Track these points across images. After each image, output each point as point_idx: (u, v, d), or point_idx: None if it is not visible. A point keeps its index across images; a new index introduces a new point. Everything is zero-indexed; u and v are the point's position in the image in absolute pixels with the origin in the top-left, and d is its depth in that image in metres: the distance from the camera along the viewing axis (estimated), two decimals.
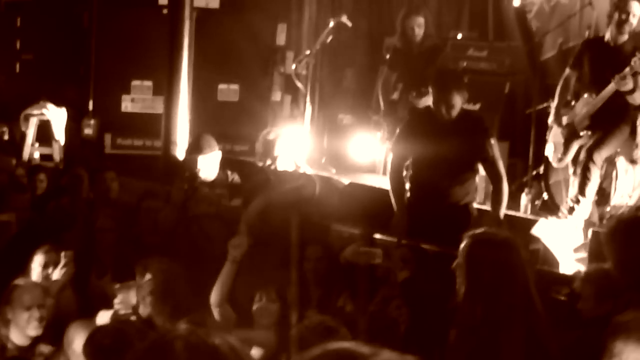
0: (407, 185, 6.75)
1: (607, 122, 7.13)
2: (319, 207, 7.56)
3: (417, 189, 6.61)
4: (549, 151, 7.60)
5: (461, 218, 6.31)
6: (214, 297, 5.30)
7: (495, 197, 6.40)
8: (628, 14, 7.00)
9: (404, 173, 6.79)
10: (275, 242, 6.24)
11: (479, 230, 4.14)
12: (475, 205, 6.75)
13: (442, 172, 6.41)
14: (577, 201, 7.17)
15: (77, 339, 4.83)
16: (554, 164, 7.59)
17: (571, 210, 7.20)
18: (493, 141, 6.58)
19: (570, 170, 7.49)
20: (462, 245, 4.01)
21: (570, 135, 7.34)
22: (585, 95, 7.20)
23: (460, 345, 3.80)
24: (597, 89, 7.09)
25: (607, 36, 7.21)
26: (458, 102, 6.34)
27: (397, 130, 7.02)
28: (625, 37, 7.13)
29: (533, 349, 3.64)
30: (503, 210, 6.36)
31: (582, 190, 7.10)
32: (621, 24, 7.05)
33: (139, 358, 1.79)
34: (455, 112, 6.33)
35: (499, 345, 3.51)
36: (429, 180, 6.49)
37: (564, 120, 7.39)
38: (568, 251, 6.97)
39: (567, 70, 7.44)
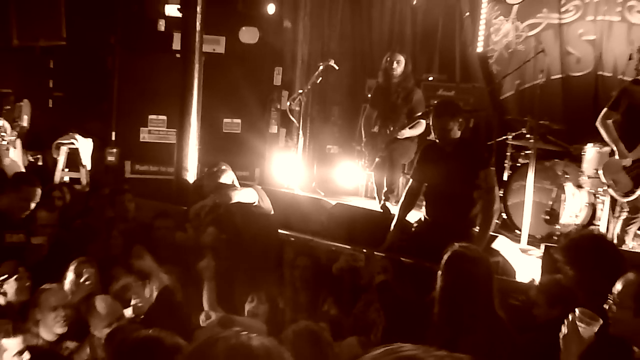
0: (424, 208, 6.70)
1: None
2: (308, 224, 7.54)
3: (430, 210, 6.56)
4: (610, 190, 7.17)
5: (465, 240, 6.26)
6: (206, 304, 5.33)
7: (484, 221, 6.30)
8: None
9: (417, 198, 6.75)
10: (247, 255, 6.28)
11: (457, 246, 4.13)
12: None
13: (448, 199, 6.36)
14: None
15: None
16: (618, 198, 7.12)
17: None
18: (490, 169, 6.48)
19: None
20: (444, 258, 4.03)
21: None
22: None
23: (430, 343, 3.79)
24: None
25: None
26: (453, 127, 6.24)
27: (415, 161, 6.97)
28: None
29: (493, 347, 3.64)
30: (489, 233, 6.30)
31: None
32: None
33: (186, 357, 1.77)
34: (450, 136, 6.27)
35: (460, 342, 3.51)
36: (438, 205, 6.44)
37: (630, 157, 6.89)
38: (523, 263, 6.97)
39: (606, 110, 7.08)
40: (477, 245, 5.50)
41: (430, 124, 6.61)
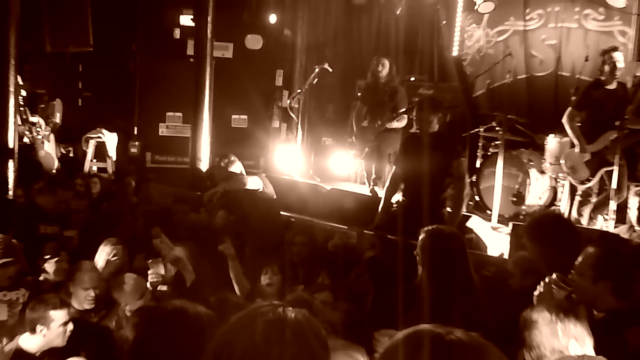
0: (401, 192, 6.71)
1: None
2: (306, 206, 7.56)
3: (407, 193, 6.57)
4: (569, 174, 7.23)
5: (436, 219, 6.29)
6: (232, 275, 5.32)
7: (455, 204, 6.30)
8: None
9: (400, 183, 6.75)
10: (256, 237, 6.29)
11: (431, 226, 4.10)
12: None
13: (424, 184, 6.36)
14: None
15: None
16: (575, 184, 7.22)
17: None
18: (462, 159, 6.51)
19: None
20: (420, 238, 3.99)
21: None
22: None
23: (420, 314, 3.78)
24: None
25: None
26: (433, 120, 6.27)
27: (398, 150, 6.98)
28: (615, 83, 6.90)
29: (473, 313, 3.65)
30: (460, 214, 6.33)
31: None
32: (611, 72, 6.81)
33: (227, 332, 1.68)
34: (429, 129, 6.30)
35: (450, 311, 3.51)
36: (415, 189, 6.44)
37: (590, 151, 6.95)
38: (494, 239, 7.00)
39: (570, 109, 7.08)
40: (450, 224, 5.55)
41: (414, 117, 6.64)
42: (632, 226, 6.72)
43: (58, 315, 4.09)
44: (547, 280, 3.38)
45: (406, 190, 6.57)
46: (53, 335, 4.09)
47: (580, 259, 3.46)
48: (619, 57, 6.86)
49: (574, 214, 7.31)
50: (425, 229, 4.06)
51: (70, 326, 4.16)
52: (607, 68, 6.90)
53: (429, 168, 6.22)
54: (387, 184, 6.78)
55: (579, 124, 7.04)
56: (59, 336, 4.11)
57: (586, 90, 7.04)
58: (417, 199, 6.32)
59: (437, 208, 6.23)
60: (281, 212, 6.95)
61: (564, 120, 7.09)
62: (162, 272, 5.24)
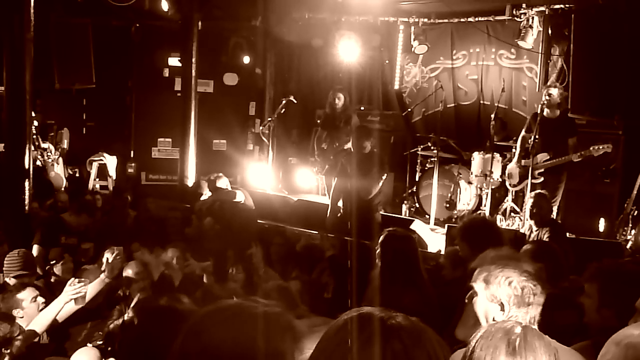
0: (341, 202, 6.80)
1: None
2: (277, 215, 7.52)
3: (346, 203, 6.64)
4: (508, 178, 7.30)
5: (368, 221, 6.35)
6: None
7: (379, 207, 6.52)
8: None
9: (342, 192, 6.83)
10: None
11: (389, 229, 4.03)
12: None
13: (357, 194, 6.44)
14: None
15: None
16: (509, 187, 7.33)
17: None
18: (387, 174, 6.65)
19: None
20: (380, 238, 3.89)
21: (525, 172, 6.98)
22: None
23: (374, 299, 3.74)
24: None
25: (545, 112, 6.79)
26: (367, 145, 6.41)
27: (336, 169, 7.07)
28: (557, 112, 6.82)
29: (422, 300, 3.64)
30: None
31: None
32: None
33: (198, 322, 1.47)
34: (363, 150, 6.43)
35: (401, 299, 3.49)
36: (351, 197, 6.50)
37: (523, 162, 7.01)
38: (432, 239, 7.06)
39: (523, 132, 7.07)
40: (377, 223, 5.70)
41: (350, 141, 6.78)
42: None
43: (24, 295, 3.89)
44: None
45: (345, 199, 6.69)
46: (31, 312, 3.87)
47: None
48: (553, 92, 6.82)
49: (497, 216, 7.43)
50: (385, 230, 3.99)
51: (41, 299, 3.94)
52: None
53: (362, 179, 6.34)
54: (332, 194, 6.91)
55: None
56: (35, 311, 3.88)
57: (534, 116, 7.02)
58: (352, 207, 6.46)
59: (369, 213, 6.35)
60: (258, 220, 6.90)
61: (518, 142, 7.18)
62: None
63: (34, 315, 3.85)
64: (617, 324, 2.50)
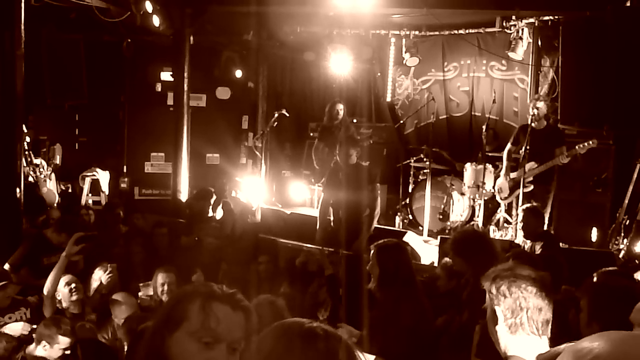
0: (331, 213, 6.78)
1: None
2: (270, 229, 7.51)
3: (335, 212, 6.63)
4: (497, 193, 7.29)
5: (357, 233, 6.33)
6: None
7: (368, 221, 6.42)
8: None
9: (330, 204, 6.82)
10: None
11: (381, 241, 4.00)
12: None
13: (347, 204, 6.42)
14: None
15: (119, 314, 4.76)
16: (499, 200, 7.34)
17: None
18: (376, 186, 6.61)
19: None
20: (372, 251, 3.86)
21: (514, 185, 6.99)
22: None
23: (376, 314, 3.69)
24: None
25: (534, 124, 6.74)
26: (353, 155, 6.40)
27: (324, 181, 7.07)
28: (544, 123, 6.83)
29: (418, 309, 3.62)
30: (371, 229, 6.43)
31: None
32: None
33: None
34: (352, 161, 6.42)
35: (400, 308, 3.48)
36: (340, 209, 6.50)
37: (512, 175, 7.05)
38: (426, 250, 7.05)
39: (509, 145, 7.12)
40: (364, 238, 5.66)
41: (336, 154, 6.76)
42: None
43: (63, 341, 3.98)
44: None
45: (335, 210, 6.69)
46: (53, 354, 3.98)
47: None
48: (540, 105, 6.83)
49: (490, 227, 7.44)
50: (376, 243, 3.95)
51: (68, 352, 4.03)
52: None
53: (350, 191, 6.34)
54: (320, 206, 6.89)
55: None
56: (57, 356, 4.00)
57: (522, 128, 7.08)
58: (341, 218, 6.45)
59: (359, 225, 6.34)
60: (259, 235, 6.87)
61: (504, 154, 7.21)
62: (151, 293, 5.12)
63: (52, 358, 3.99)
64: None
